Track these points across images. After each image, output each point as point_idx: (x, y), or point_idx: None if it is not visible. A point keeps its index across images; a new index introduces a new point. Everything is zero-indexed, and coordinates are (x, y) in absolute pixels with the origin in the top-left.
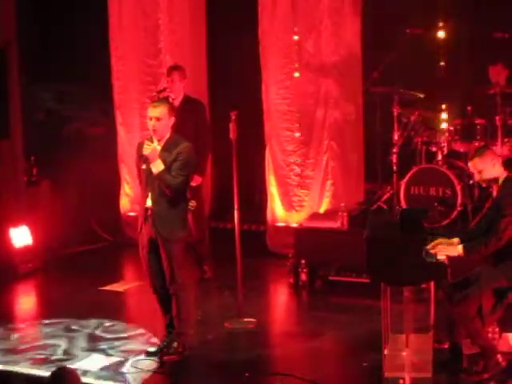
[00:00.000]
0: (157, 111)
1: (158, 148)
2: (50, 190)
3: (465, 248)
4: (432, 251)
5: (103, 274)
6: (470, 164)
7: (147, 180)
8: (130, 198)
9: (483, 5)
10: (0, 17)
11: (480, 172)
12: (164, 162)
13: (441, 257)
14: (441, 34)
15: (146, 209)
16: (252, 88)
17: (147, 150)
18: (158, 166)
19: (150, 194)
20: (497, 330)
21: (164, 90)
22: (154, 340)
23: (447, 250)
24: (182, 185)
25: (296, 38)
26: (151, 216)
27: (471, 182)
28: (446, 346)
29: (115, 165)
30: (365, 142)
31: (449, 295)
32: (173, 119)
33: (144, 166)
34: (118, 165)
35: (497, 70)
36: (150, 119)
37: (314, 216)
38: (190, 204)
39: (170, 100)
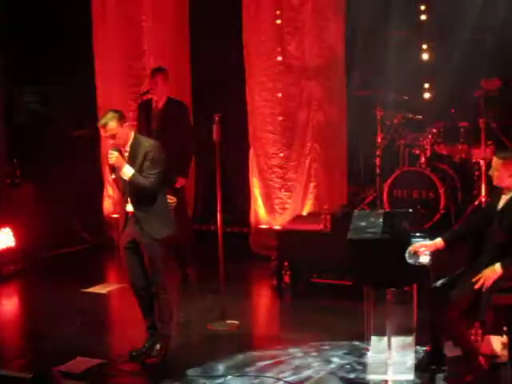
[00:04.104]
0: (108, 130)
1: (125, 155)
2: (33, 192)
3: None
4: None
5: (86, 276)
6: (494, 157)
7: (124, 186)
8: (112, 200)
9: (465, 7)
10: None
11: (496, 171)
12: (134, 164)
13: (423, 260)
14: (424, 36)
15: (127, 213)
16: (236, 90)
17: (111, 159)
18: (127, 172)
19: (128, 200)
20: (479, 332)
21: (147, 92)
22: (137, 343)
23: (489, 277)
24: (156, 183)
25: (279, 39)
26: (132, 218)
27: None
28: (428, 349)
29: (98, 167)
30: (348, 145)
31: (432, 297)
32: (127, 124)
33: (113, 176)
34: (101, 167)
35: (491, 82)
36: (106, 138)
37: (297, 218)
38: (169, 200)
39: (154, 101)
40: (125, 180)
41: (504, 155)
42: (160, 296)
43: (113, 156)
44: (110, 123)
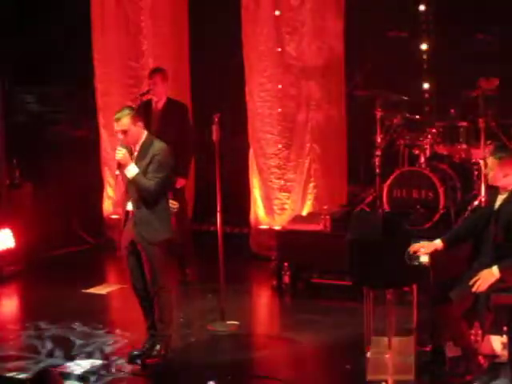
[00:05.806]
0: (120, 125)
1: (135, 154)
2: (33, 193)
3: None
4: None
5: (86, 277)
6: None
7: (127, 184)
8: (112, 200)
9: (467, 6)
10: None
11: (491, 170)
12: (141, 164)
13: (423, 259)
14: (423, 37)
15: (127, 212)
16: (235, 90)
17: (118, 155)
18: (131, 171)
19: (130, 198)
20: (479, 332)
21: (147, 92)
22: (137, 343)
23: (485, 280)
24: (159, 187)
25: (279, 40)
26: (132, 219)
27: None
28: (429, 349)
29: (98, 167)
30: (348, 145)
31: (433, 296)
32: (140, 124)
33: (117, 172)
34: (101, 167)
35: (489, 82)
36: (117, 132)
37: (297, 219)
38: (171, 205)
39: (153, 102)
40: (129, 178)
41: (500, 155)
42: (160, 296)
43: (120, 152)
44: (123, 118)
